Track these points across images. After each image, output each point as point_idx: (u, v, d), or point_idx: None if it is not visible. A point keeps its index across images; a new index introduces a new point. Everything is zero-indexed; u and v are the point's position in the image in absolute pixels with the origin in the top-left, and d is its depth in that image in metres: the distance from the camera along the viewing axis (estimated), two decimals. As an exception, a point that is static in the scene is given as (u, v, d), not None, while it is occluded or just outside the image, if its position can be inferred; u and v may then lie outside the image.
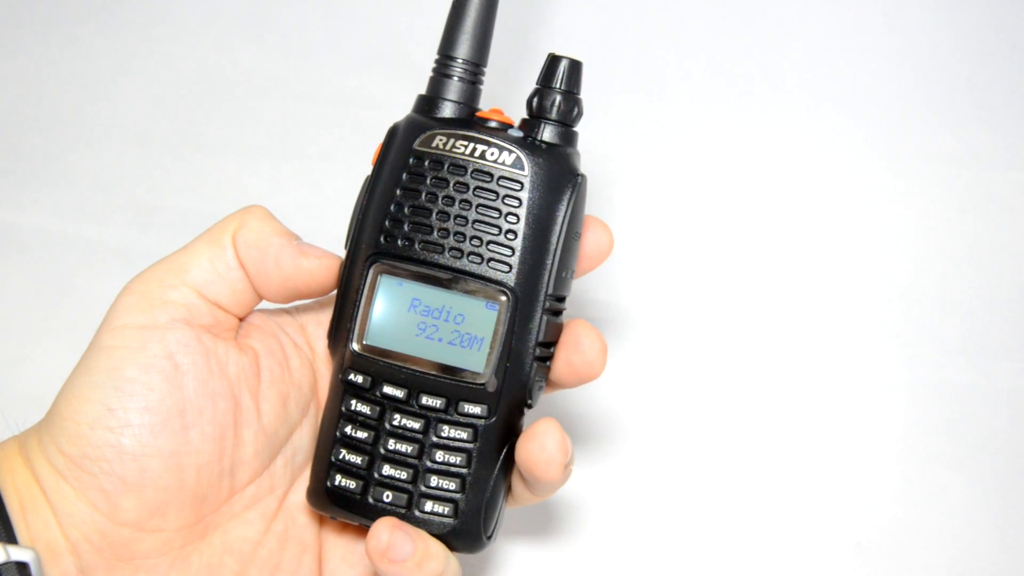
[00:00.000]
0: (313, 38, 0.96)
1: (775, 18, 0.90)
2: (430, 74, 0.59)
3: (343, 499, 0.56)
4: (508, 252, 0.55)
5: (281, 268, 0.56)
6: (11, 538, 0.52)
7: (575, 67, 0.57)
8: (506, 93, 0.84)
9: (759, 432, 0.82)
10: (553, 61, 0.57)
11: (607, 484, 0.79)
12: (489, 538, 0.57)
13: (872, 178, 0.89)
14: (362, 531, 0.58)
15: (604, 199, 0.88)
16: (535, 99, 0.57)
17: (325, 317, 0.61)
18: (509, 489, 0.59)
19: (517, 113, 0.59)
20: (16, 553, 0.51)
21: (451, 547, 0.56)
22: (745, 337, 0.86)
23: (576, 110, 0.57)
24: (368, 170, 0.58)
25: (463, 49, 0.58)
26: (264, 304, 0.60)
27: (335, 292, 0.58)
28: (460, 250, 0.55)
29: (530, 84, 0.58)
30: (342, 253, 0.58)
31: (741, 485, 0.79)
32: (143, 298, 0.55)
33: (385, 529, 0.54)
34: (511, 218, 0.55)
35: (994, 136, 0.89)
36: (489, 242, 0.55)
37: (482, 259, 0.55)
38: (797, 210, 0.89)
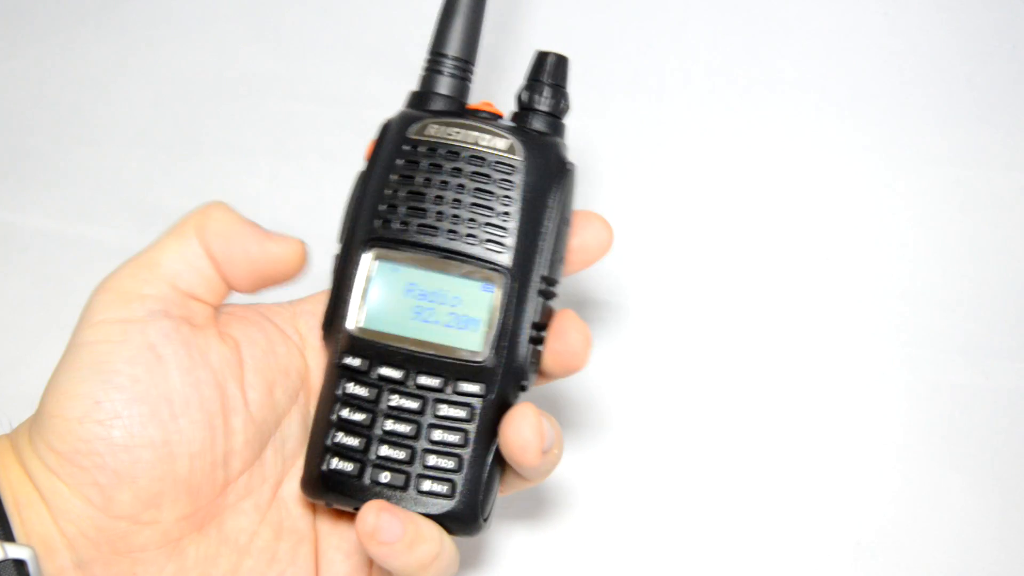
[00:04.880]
0: (313, 38, 0.96)
1: (775, 17, 0.90)
2: (421, 71, 0.60)
3: (338, 483, 0.56)
4: (503, 233, 0.56)
5: (248, 253, 0.57)
6: (8, 536, 0.52)
7: (562, 62, 0.59)
8: (499, 90, 0.84)
9: (758, 432, 0.82)
10: (541, 57, 0.60)
11: (605, 475, 0.79)
12: (485, 521, 0.57)
13: (872, 178, 0.89)
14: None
15: (603, 197, 0.88)
16: (524, 92, 0.59)
17: (319, 308, 0.61)
18: (503, 472, 0.59)
19: (508, 110, 0.60)
20: (14, 551, 0.51)
21: (448, 529, 0.56)
22: (744, 337, 0.86)
23: (564, 103, 0.59)
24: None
25: (453, 46, 0.60)
26: (247, 299, 0.60)
27: (329, 283, 0.59)
28: (456, 232, 0.56)
29: (521, 80, 0.60)
30: (338, 247, 0.59)
31: (740, 485, 0.79)
32: (119, 295, 0.56)
33: (372, 512, 0.54)
34: (506, 200, 0.56)
35: (994, 136, 0.89)
36: (485, 224, 0.56)
37: (478, 240, 0.56)
38: (796, 210, 0.89)
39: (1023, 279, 0.87)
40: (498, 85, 0.86)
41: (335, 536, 0.60)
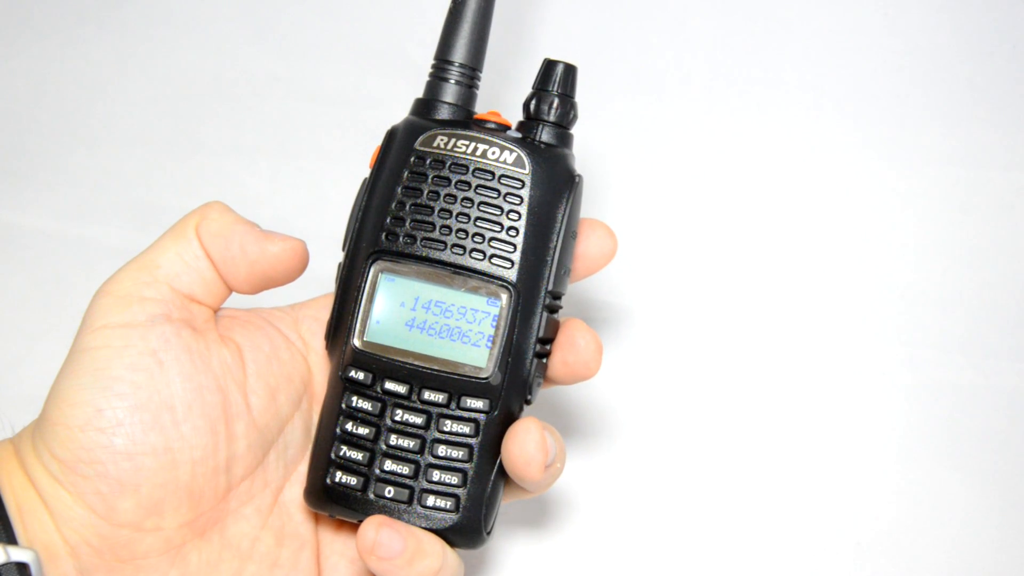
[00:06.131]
0: (313, 38, 0.96)
1: (775, 18, 0.90)
2: (427, 78, 0.59)
3: (342, 496, 0.56)
4: (510, 248, 0.56)
5: (247, 253, 0.57)
6: (11, 539, 0.52)
7: (570, 71, 0.59)
8: (504, 95, 0.84)
9: (759, 432, 0.82)
10: (549, 65, 0.59)
11: (608, 481, 0.79)
12: (488, 533, 0.57)
13: (872, 178, 0.89)
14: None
15: (603, 199, 0.88)
16: (532, 102, 0.58)
17: (322, 312, 0.61)
18: (506, 484, 0.59)
19: (514, 116, 0.60)
20: (16, 554, 0.51)
21: (451, 543, 0.56)
22: (744, 336, 0.86)
23: (572, 113, 0.58)
24: (367, 172, 0.58)
25: (459, 53, 0.59)
26: (247, 301, 0.60)
27: (332, 293, 0.59)
28: (462, 247, 0.56)
29: (526, 86, 0.59)
30: (342, 254, 0.58)
31: (741, 485, 0.79)
32: (119, 298, 0.55)
33: (372, 527, 0.54)
34: (513, 215, 0.56)
35: (994, 136, 0.89)
36: (491, 239, 0.56)
37: (484, 255, 0.56)
38: (797, 210, 0.89)
39: (1023, 279, 0.87)
40: (504, 89, 0.85)
41: (338, 542, 0.60)
